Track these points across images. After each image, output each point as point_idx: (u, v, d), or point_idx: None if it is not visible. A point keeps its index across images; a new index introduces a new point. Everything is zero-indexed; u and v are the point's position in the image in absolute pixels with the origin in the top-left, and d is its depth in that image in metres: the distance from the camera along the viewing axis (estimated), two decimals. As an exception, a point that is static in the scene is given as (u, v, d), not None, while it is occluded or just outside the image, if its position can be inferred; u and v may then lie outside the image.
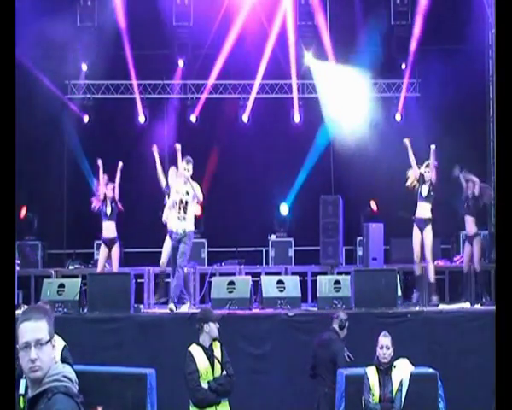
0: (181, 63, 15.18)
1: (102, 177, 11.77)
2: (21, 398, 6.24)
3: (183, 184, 10.34)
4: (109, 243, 11.51)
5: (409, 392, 7.45)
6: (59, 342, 7.10)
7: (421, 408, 7.60)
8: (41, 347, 3.29)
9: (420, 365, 8.08)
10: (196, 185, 10.38)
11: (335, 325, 8.28)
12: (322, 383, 8.06)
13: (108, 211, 11.56)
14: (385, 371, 7.29)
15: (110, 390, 7.56)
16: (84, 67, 14.92)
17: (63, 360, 6.93)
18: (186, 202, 10.32)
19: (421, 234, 11.12)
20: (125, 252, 13.78)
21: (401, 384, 7.33)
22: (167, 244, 11.00)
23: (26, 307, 10.85)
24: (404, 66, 15.18)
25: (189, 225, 10.33)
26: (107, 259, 11.64)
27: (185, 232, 10.24)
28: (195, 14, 14.66)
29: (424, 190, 11.18)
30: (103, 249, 11.55)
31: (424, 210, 11.17)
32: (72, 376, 3.33)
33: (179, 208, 10.31)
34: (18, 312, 9.93)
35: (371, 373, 7.30)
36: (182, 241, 10.24)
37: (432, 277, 11.19)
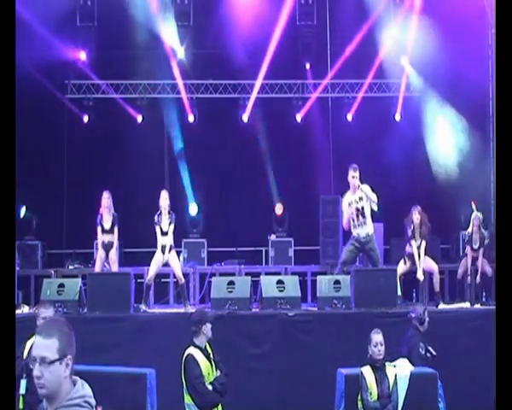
0: (181, 54, 15.13)
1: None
2: (21, 398, 6.23)
3: (353, 194, 10.62)
4: (108, 247, 11.33)
5: (409, 392, 7.46)
6: None
7: (421, 408, 7.60)
8: (47, 365, 3.12)
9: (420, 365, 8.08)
10: (366, 187, 10.58)
11: (415, 322, 8.29)
12: None
13: (107, 225, 11.35)
14: (380, 368, 7.32)
15: (110, 390, 7.54)
16: (83, 59, 14.88)
17: None
18: (362, 208, 10.60)
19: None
20: (125, 252, 13.79)
21: (396, 378, 7.34)
22: (158, 260, 10.89)
23: (25, 306, 10.86)
24: (404, 64, 15.23)
25: (371, 228, 10.72)
26: (106, 260, 11.54)
27: (368, 235, 10.62)
28: (195, 14, 14.66)
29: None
30: (101, 252, 11.36)
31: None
32: (93, 400, 3.21)
33: (357, 217, 10.62)
34: (18, 311, 9.98)
35: (367, 372, 7.31)
36: (368, 245, 10.63)
37: (437, 286, 11.15)
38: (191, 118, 15.43)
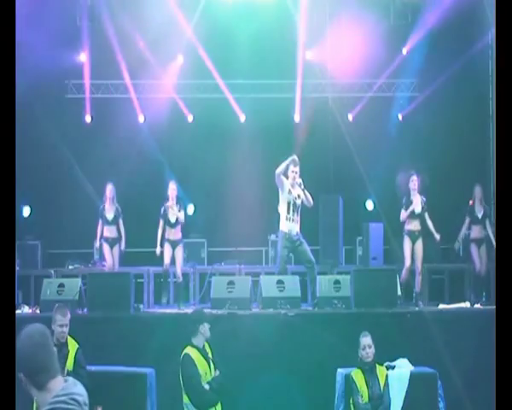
0: (180, 59, 15.13)
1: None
2: (36, 403, 6.18)
3: (293, 188, 10.43)
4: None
5: (409, 392, 7.47)
6: (72, 345, 7.07)
7: (421, 408, 7.62)
8: None
9: (420, 365, 8.09)
10: (306, 192, 10.40)
11: None
12: None
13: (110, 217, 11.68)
14: (370, 370, 7.33)
15: (110, 390, 7.56)
16: (84, 60, 14.84)
17: (77, 363, 6.91)
18: (299, 205, 10.43)
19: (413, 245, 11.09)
20: (125, 252, 13.76)
21: (387, 378, 7.36)
22: (169, 252, 11.28)
23: (25, 306, 10.86)
24: (403, 64, 15.25)
25: (298, 227, 10.46)
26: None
27: (298, 234, 10.45)
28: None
29: (417, 208, 11.14)
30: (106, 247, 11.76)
31: (415, 224, 11.14)
32: (82, 398, 3.22)
33: (292, 211, 10.39)
34: (18, 311, 9.98)
35: (357, 376, 7.35)
36: (299, 247, 10.42)
37: (419, 286, 11.14)
38: (190, 118, 15.44)
